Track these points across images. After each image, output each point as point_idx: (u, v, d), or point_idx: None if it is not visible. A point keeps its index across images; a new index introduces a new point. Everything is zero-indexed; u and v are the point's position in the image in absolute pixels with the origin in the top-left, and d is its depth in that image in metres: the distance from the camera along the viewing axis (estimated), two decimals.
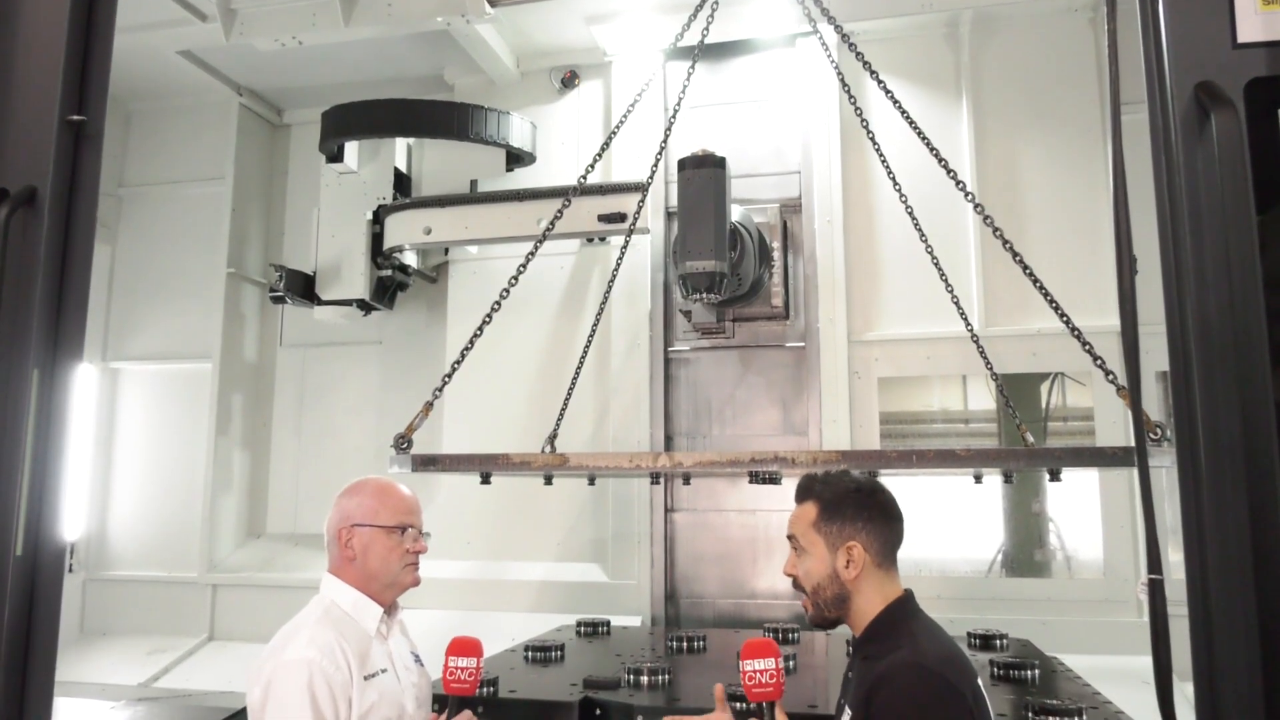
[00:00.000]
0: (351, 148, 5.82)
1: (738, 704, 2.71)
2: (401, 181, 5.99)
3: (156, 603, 6.26)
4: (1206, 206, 1.86)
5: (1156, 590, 1.85)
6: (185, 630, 6.11)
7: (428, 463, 3.29)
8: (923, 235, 4.08)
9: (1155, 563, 1.86)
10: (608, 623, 4.45)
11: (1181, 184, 1.90)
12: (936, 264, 4.10)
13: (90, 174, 2.14)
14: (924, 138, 3.55)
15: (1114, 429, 4.83)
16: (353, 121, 5.63)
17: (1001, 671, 3.29)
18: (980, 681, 1.97)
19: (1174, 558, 2.06)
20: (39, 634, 1.91)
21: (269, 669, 2.18)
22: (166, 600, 6.24)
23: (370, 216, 5.86)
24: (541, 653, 3.64)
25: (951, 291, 4.11)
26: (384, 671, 2.29)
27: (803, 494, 2.13)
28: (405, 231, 5.63)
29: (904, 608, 2.03)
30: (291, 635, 2.23)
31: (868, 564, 2.03)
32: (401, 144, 6.01)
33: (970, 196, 3.41)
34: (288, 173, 6.82)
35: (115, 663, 5.85)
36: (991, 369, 4.18)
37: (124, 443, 6.59)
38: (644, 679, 3.09)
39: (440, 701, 2.46)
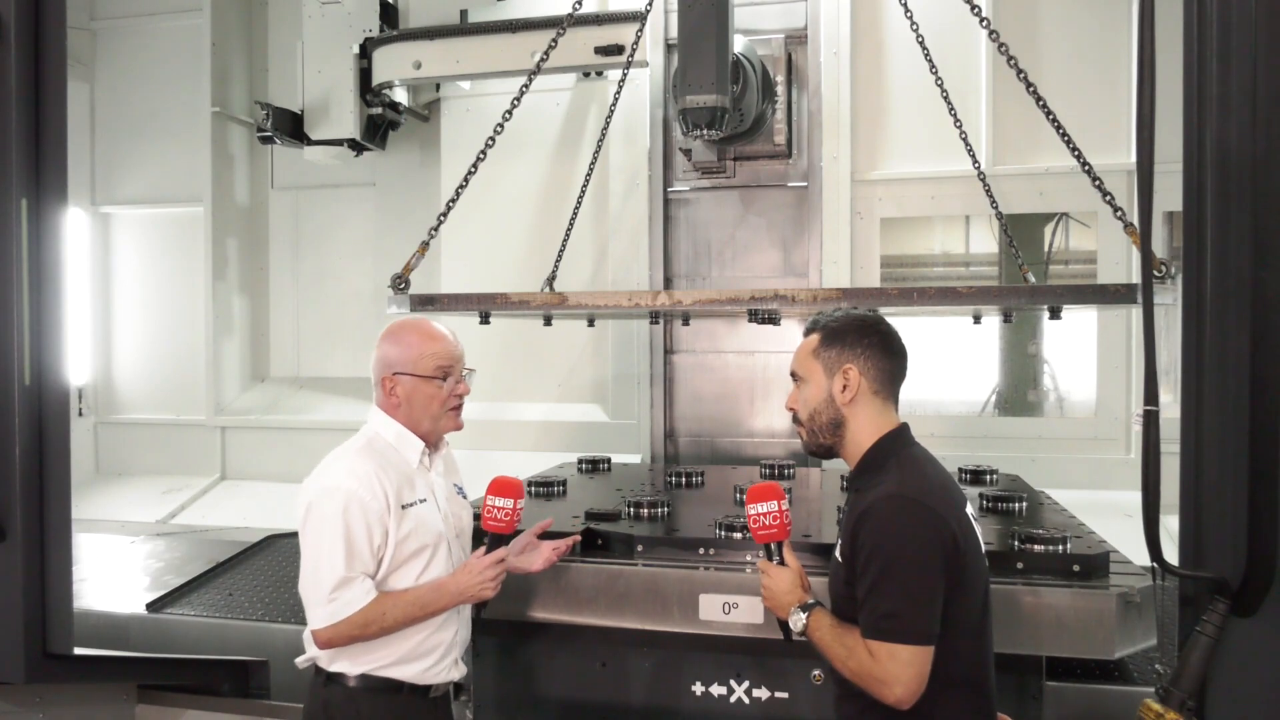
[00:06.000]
0: None
1: (736, 533, 2.81)
2: (388, 12, 5.70)
3: (168, 445, 6.43)
4: (1238, 25, 1.76)
5: (1151, 421, 1.88)
6: (198, 470, 6.30)
7: (426, 302, 3.28)
8: (933, 66, 3.94)
9: (1153, 395, 1.88)
10: (608, 460, 4.55)
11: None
12: (946, 97, 3.98)
13: None
14: None
15: (1116, 270, 4.80)
16: None
17: (990, 504, 3.38)
18: (970, 510, 2.01)
19: (1165, 398, 2.07)
20: (51, 456, 1.97)
21: (310, 492, 2.28)
22: (177, 442, 6.40)
23: (357, 50, 5.61)
24: (545, 488, 3.74)
25: (960, 126, 4.01)
26: (423, 501, 2.37)
27: (808, 330, 2.16)
28: (394, 66, 5.41)
29: (896, 440, 2.04)
30: (333, 463, 2.32)
31: (864, 389, 2.03)
32: None
33: (985, 22, 3.26)
34: (267, 3, 6.50)
35: (132, 502, 6.06)
36: (996, 207, 4.13)
37: (122, 289, 6.59)
38: (644, 511, 3.18)
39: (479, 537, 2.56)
